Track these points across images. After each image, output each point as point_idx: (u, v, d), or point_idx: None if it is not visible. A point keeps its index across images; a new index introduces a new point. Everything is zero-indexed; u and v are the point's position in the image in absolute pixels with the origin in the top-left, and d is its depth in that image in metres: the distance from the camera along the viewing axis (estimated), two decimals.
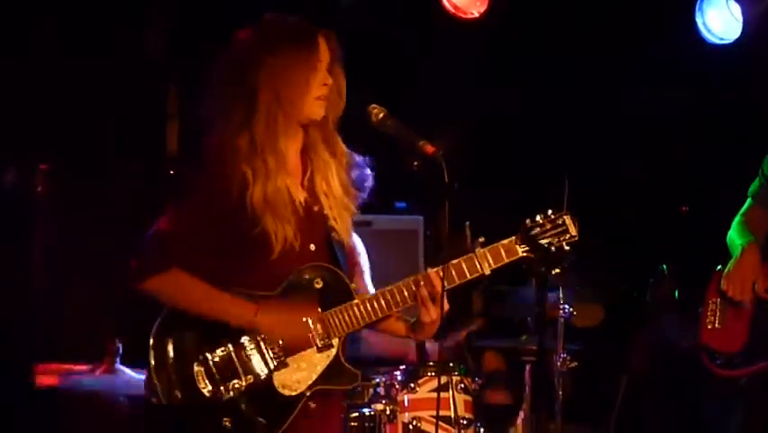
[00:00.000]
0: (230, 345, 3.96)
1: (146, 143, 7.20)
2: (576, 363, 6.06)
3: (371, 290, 4.33)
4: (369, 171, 4.19)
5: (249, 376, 3.95)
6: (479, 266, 4.05)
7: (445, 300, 4.05)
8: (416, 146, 4.02)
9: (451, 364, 5.74)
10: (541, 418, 6.23)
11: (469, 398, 5.69)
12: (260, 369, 3.96)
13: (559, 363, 6.04)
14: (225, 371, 3.94)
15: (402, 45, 7.42)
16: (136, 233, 4.10)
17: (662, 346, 6.85)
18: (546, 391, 6.11)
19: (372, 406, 5.53)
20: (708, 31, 6.96)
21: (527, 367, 6.26)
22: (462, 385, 5.67)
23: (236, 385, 3.94)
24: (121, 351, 6.01)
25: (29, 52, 6.69)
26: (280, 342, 3.95)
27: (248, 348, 3.96)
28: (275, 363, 3.96)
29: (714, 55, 7.08)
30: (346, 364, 4.03)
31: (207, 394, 3.93)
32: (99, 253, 6.88)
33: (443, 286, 4.02)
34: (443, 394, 5.56)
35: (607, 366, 6.93)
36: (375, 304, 4.04)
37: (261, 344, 3.96)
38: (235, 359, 3.95)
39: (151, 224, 4.04)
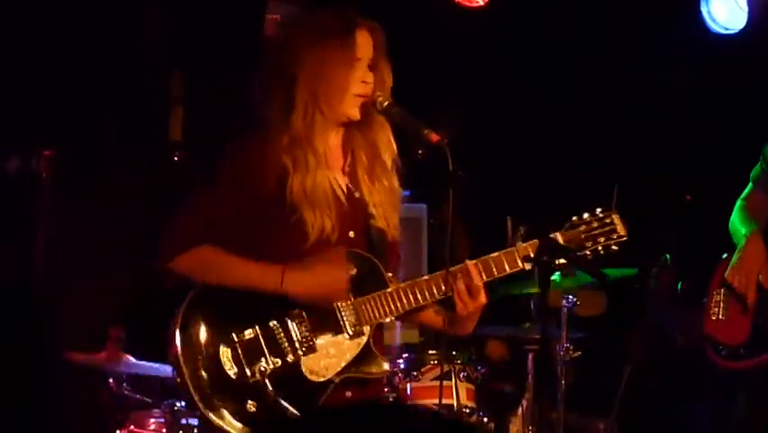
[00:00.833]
0: (258, 328, 3.94)
1: (150, 130, 7.20)
2: (579, 353, 6.06)
3: None
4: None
5: (276, 360, 3.93)
6: (519, 261, 4.03)
7: (484, 294, 4.02)
8: (420, 134, 4.01)
9: (454, 353, 5.74)
10: (543, 406, 6.23)
11: (471, 386, 5.70)
12: (288, 353, 3.93)
13: (562, 353, 6.04)
14: (252, 353, 3.92)
15: (405, 36, 7.40)
16: (141, 220, 4.11)
17: (663, 337, 6.85)
18: (549, 379, 6.11)
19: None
20: (713, 20, 6.95)
21: (530, 356, 6.25)
22: (465, 374, 5.68)
23: (262, 368, 3.92)
24: (124, 338, 6.01)
25: (31, 50, 6.69)
26: (307, 329, 3.93)
27: (276, 331, 3.94)
28: (303, 348, 3.94)
29: (718, 44, 7.07)
30: (377, 352, 4.01)
31: (233, 376, 3.91)
32: (103, 238, 6.89)
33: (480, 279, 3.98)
34: (445, 383, 5.56)
35: (610, 355, 6.92)
36: (410, 294, 4.01)
37: (290, 327, 3.95)
38: (262, 342, 3.93)
39: (155, 210, 4.04)
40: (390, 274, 4.06)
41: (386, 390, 5.52)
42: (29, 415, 6.56)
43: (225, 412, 3.90)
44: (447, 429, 4.28)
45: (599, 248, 4.08)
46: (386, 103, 4.06)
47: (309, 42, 4.01)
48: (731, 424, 5.68)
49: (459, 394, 5.59)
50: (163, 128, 7.30)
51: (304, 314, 3.96)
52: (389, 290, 4.01)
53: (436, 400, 5.51)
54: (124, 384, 6.03)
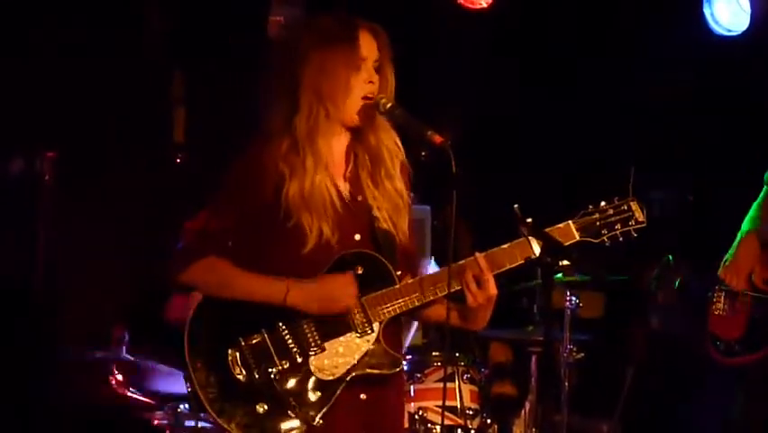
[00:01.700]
0: (265, 331, 3.95)
1: (152, 131, 7.21)
2: (582, 355, 6.06)
3: None
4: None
5: (284, 361, 3.93)
6: (531, 249, 4.01)
7: (494, 285, 4.00)
8: (423, 136, 3.99)
9: (457, 355, 5.74)
10: (547, 408, 6.23)
11: (475, 388, 5.70)
12: (297, 354, 3.94)
13: (565, 354, 6.04)
14: (260, 356, 3.93)
15: (405, 36, 7.40)
16: (143, 221, 4.12)
17: (665, 338, 6.86)
18: (552, 381, 6.11)
19: None
20: (716, 22, 6.95)
21: (533, 358, 6.25)
22: (468, 376, 5.68)
23: (271, 371, 3.94)
24: (127, 339, 6.01)
25: (31, 50, 6.69)
26: (315, 330, 3.94)
27: (284, 334, 3.95)
28: (312, 349, 3.95)
29: (721, 46, 7.07)
30: (388, 349, 3.99)
31: (242, 379, 3.93)
32: (105, 239, 6.90)
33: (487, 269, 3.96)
34: (449, 384, 5.56)
35: (612, 357, 6.92)
36: (418, 289, 4.01)
37: (298, 329, 3.95)
38: (270, 345, 3.93)
39: (156, 211, 4.06)
40: (400, 273, 4.04)
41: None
42: (29, 416, 6.56)
43: (235, 416, 3.91)
44: None
45: (617, 234, 4.07)
46: (389, 105, 4.05)
47: (314, 44, 4.00)
48: (730, 422, 5.70)
49: (462, 396, 5.59)
50: (165, 129, 7.30)
51: (312, 315, 3.96)
52: (398, 286, 4.00)
53: (439, 402, 5.52)
54: (127, 386, 6.02)
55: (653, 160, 7.50)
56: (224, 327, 3.96)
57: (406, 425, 5.50)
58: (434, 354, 5.81)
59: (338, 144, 4.09)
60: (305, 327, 3.96)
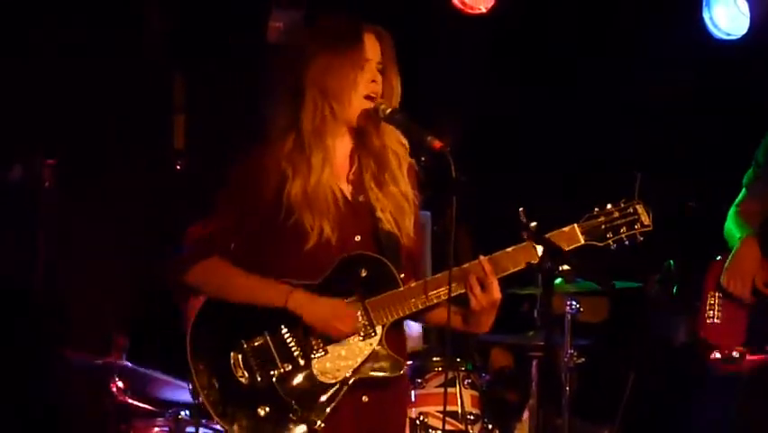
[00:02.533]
0: (267, 334, 3.96)
1: (152, 138, 7.21)
2: (583, 359, 6.05)
3: None
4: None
5: (286, 364, 3.95)
6: (535, 254, 4.01)
7: (497, 289, 4.00)
8: (423, 141, 4.00)
9: (458, 360, 5.74)
10: (548, 413, 6.22)
11: (476, 393, 5.70)
12: (299, 357, 3.95)
13: (566, 359, 6.04)
14: (262, 359, 3.94)
15: (405, 37, 7.41)
16: (143, 228, 4.13)
17: (666, 343, 6.85)
18: (553, 386, 6.10)
19: None
20: (715, 26, 6.95)
21: (534, 363, 6.24)
22: (469, 381, 5.68)
23: (273, 373, 3.94)
24: (128, 346, 6.00)
25: (31, 50, 6.69)
26: (318, 333, 3.95)
27: (286, 336, 3.96)
28: (314, 352, 3.96)
29: (720, 50, 7.07)
30: (390, 352, 4.00)
31: (244, 382, 3.94)
32: (105, 245, 6.90)
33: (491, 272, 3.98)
34: (450, 390, 5.56)
35: (614, 362, 6.92)
36: (422, 292, 4.00)
37: (300, 332, 3.95)
38: (272, 347, 3.95)
39: (157, 217, 4.07)
40: (403, 275, 4.04)
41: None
42: (31, 422, 6.56)
43: (238, 418, 3.92)
44: None
45: (623, 238, 4.07)
46: (388, 110, 4.06)
47: (318, 44, 4.03)
48: (730, 428, 5.67)
49: (463, 401, 5.58)
50: (165, 135, 7.30)
51: None
52: (401, 289, 4.00)
53: (440, 407, 5.52)
54: (127, 392, 6.02)
55: (653, 161, 7.52)
56: (227, 329, 3.98)
57: (408, 430, 5.49)
58: (434, 359, 5.81)
59: (342, 146, 4.10)
60: (308, 329, 3.97)
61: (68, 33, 6.80)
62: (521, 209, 3.97)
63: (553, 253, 3.99)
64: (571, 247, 4.04)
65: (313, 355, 3.96)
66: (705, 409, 6.52)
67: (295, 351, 3.96)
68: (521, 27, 7.58)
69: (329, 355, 3.97)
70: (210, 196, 4.10)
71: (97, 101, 6.87)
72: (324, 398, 3.95)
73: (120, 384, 5.94)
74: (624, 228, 4.06)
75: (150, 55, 7.13)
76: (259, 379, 3.95)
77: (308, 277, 3.98)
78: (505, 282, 4.09)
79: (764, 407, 5.33)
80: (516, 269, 4.03)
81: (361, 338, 3.98)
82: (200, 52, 7.18)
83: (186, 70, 7.30)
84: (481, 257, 4.01)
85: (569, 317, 6.05)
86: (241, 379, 3.94)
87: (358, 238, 4.04)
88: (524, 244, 4.02)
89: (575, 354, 6.04)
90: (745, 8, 6.78)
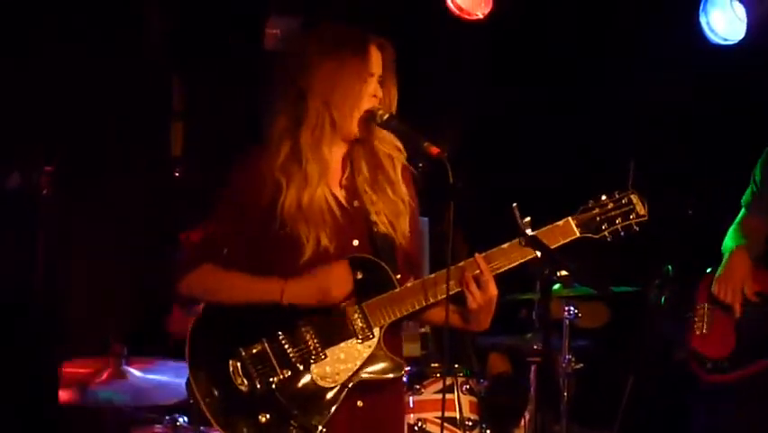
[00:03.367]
0: (265, 341, 3.96)
1: (151, 144, 7.21)
2: (582, 365, 6.05)
3: None
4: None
5: (285, 370, 3.95)
6: (527, 251, 4.01)
7: (494, 286, 3.99)
8: (420, 147, 4.00)
9: (456, 366, 5.74)
10: (546, 419, 6.22)
11: (474, 399, 5.69)
12: (297, 362, 3.95)
13: (564, 365, 6.04)
14: (261, 366, 3.94)
15: (405, 46, 7.42)
16: (141, 236, 4.14)
17: (664, 349, 6.84)
18: (552, 392, 6.11)
19: None
20: (712, 31, 6.95)
21: (533, 368, 6.25)
22: (468, 386, 5.67)
23: (272, 380, 3.94)
24: (126, 353, 6.00)
25: (31, 53, 6.69)
26: (315, 337, 3.95)
27: (284, 342, 3.96)
28: (313, 356, 3.96)
29: (717, 55, 7.07)
30: (389, 354, 4.00)
31: (244, 390, 3.94)
32: (103, 252, 6.90)
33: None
34: (448, 396, 5.56)
35: (612, 367, 6.92)
36: (418, 292, 4.00)
37: (298, 337, 3.96)
38: (271, 354, 3.95)
39: (157, 224, 4.08)
40: (400, 276, 4.05)
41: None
42: (30, 426, 6.56)
43: (238, 426, 3.93)
44: None
45: (618, 229, 4.05)
46: (386, 116, 4.06)
47: (323, 54, 4.01)
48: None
49: (461, 407, 5.58)
50: (163, 141, 7.30)
51: (312, 322, 3.97)
52: (397, 290, 4.00)
53: (439, 413, 5.51)
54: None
55: (653, 165, 7.52)
56: (225, 337, 3.98)
57: None
58: (432, 365, 5.81)
59: (336, 152, 4.10)
60: (305, 334, 3.97)
61: (66, 39, 6.79)
62: (514, 205, 3.97)
63: (549, 256, 3.99)
64: (566, 240, 4.03)
65: (312, 360, 3.96)
66: (702, 415, 6.50)
67: (293, 357, 3.96)
68: (520, 29, 7.58)
69: (328, 359, 3.97)
70: (207, 202, 4.10)
71: (96, 107, 6.87)
72: (324, 402, 3.95)
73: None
74: (619, 219, 4.03)
75: (149, 60, 7.13)
76: (258, 386, 3.95)
77: None
78: (504, 288, 4.09)
79: (757, 416, 5.31)
80: (511, 265, 4.01)
81: (359, 341, 3.98)
82: (199, 58, 7.18)
83: (184, 76, 7.30)
84: (477, 254, 4.00)
85: (567, 322, 6.05)
86: (240, 387, 3.94)
87: (356, 243, 4.05)
88: (520, 239, 4.02)
89: (573, 359, 6.05)
90: (742, 13, 6.78)
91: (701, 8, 6.92)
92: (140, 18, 7.12)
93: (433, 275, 4.03)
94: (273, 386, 3.95)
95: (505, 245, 4.02)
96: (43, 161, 6.68)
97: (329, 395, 3.95)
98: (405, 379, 5.60)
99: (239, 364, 3.95)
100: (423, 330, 6.44)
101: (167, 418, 5.76)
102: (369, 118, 4.05)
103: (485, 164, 7.29)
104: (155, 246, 6.51)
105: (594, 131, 7.53)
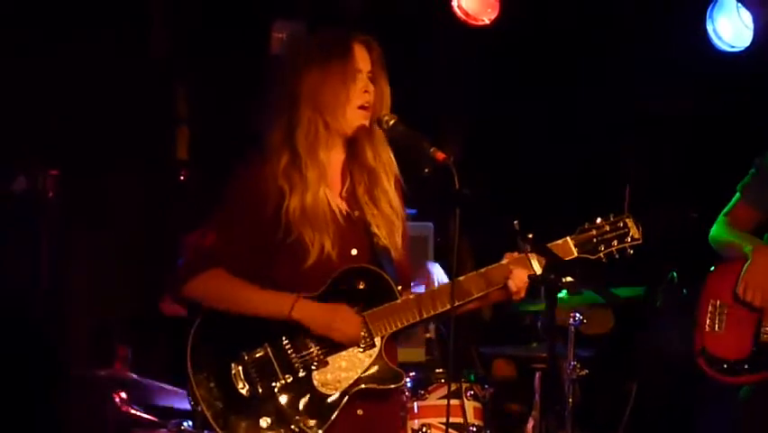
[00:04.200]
0: (268, 345, 3.97)
1: (156, 148, 7.21)
2: (586, 371, 6.04)
3: None
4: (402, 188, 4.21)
5: (287, 376, 3.96)
6: (530, 266, 4.05)
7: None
8: (426, 153, 4.01)
9: (461, 371, 5.73)
10: (551, 425, 6.21)
11: (479, 405, 5.69)
12: (300, 368, 3.96)
13: (569, 371, 6.03)
14: (263, 370, 3.95)
15: (410, 51, 7.44)
16: (146, 240, 4.13)
17: (668, 354, 6.83)
18: (556, 398, 6.09)
19: None
20: (719, 38, 6.95)
21: (537, 374, 6.24)
22: (472, 392, 5.67)
23: (274, 385, 3.94)
24: (130, 357, 6.01)
25: (36, 58, 6.70)
26: (318, 344, 3.96)
27: (286, 348, 3.96)
28: (315, 363, 3.96)
29: (723, 61, 7.07)
30: (390, 364, 4.01)
31: (245, 394, 3.94)
32: (109, 257, 6.90)
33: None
34: (453, 401, 5.55)
35: (617, 374, 6.91)
36: (420, 303, 4.03)
37: (301, 343, 3.96)
38: (273, 359, 3.96)
39: (162, 230, 4.07)
40: (400, 287, 4.06)
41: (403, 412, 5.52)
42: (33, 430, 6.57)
43: (239, 430, 3.93)
44: None
45: (614, 251, 4.11)
46: (392, 121, 4.08)
47: (310, 58, 4.05)
48: None
49: (466, 413, 5.57)
50: (168, 146, 7.31)
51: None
52: (399, 301, 4.02)
53: (443, 419, 5.51)
54: (130, 403, 6.02)
55: (654, 173, 7.52)
56: (227, 341, 3.98)
57: None
58: (437, 370, 5.81)
59: (335, 160, 4.11)
60: (308, 341, 3.98)
61: (72, 44, 6.80)
62: (515, 221, 3.99)
63: (555, 263, 4.00)
64: (566, 259, 4.08)
65: (313, 367, 3.97)
66: (708, 422, 6.49)
67: (296, 362, 3.97)
68: (522, 37, 7.59)
69: (330, 367, 3.98)
70: (209, 205, 4.10)
71: (101, 111, 6.88)
72: (325, 409, 3.96)
73: (123, 395, 5.95)
74: (615, 241, 4.12)
75: (154, 64, 7.13)
76: (260, 390, 3.95)
77: (309, 290, 3.99)
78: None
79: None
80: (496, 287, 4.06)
81: (361, 350, 3.99)
82: (204, 62, 7.19)
83: (189, 80, 7.31)
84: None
85: (572, 329, 6.04)
86: (242, 391, 3.95)
87: (355, 252, 4.07)
88: (520, 256, 4.04)
89: (578, 365, 6.03)
90: (749, 20, 6.78)
91: (708, 15, 6.92)
92: (146, 23, 7.13)
93: (433, 288, 4.07)
94: (275, 391, 3.96)
95: (504, 261, 4.06)
96: (48, 164, 6.69)
97: (330, 402, 3.96)
98: (409, 384, 5.63)
99: (241, 368, 3.96)
100: (428, 335, 6.44)
101: (171, 422, 5.77)
102: (374, 123, 4.07)
103: (486, 171, 7.29)
104: (160, 250, 6.51)
105: (599, 137, 7.53)
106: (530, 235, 4.00)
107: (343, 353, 3.99)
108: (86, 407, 6.35)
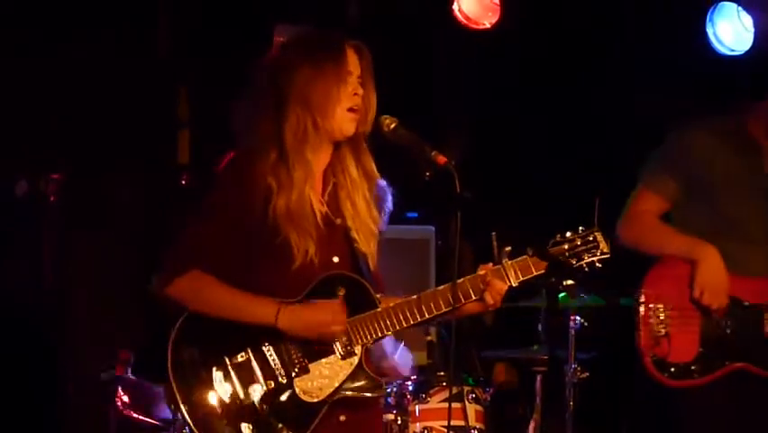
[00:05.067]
0: (250, 351, 3.95)
1: (157, 152, 7.22)
2: (587, 374, 6.05)
3: None
4: (390, 196, 4.21)
5: (269, 382, 3.94)
6: (506, 278, 4.06)
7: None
8: (427, 156, 4.01)
9: (462, 375, 5.75)
10: (552, 428, 6.22)
11: (480, 408, 5.70)
12: (281, 375, 3.94)
13: (570, 374, 6.04)
14: (245, 376, 3.93)
15: (412, 54, 7.45)
16: (147, 244, 4.12)
17: None
18: (557, 401, 6.11)
19: (384, 416, 5.52)
20: (719, 42, 6.96)
21: (538, 378, 6.25)
22: (474, 395, 5.68)
23: (256, 390, 3.94)
24: (132, 361, 6.01)
25: (37, 62, 6.71)
26: (300, 351, 3.96)
27: (268, 354, 3.95)
28: (296, 370, 3.95)
29: (724, 65, 7.07)
30: (369, 372, 4.01)
31: (227, 400, 3.92)
32: (110, 260, 6.90)
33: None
34: (454, 404, 5.56)
35: (618, 376, 6.91)
36: (400, 313, 4.02)
37: (282, 349, 3.96)
38: (255, 364, 3.94)
39: (164, 234, 4.06)
40: (380, 295, 4.06)
41: (394, 412, 5.53)
42: None
43: None
44: None
45: (584, 265, 4.13)
46: (393, 125, 4.08)
47: (301, 58, 4.04)
48: None
49: (468, 416, 5.58)
50: (170, 150, 7.31)
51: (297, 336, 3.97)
52: (379, 309, 4.02)
53: (445, 422, 5.52)
54: (132, 407, 6.02)
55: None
56: (209, 345, 3.96)
57: None
58: (438, 373, 5.82)
59: (320, 163, 4.10)
60: (290, 347, 3.97)
61: (74, 48, 6.81)
62: (493, 234, 4.02)
63: (558, 267, 4.04)
64: (538, 273, 4.10)
65: (295, 374, 3.96)
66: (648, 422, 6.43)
67: (277, 369, 3.95)
68: (524, 39, 7.60)
69: (311, 374, 3.96)
70: (195, 205, 4.09)
71: (103, 115, 6.89)
72: (306, 416, 3.94)
73: (125, 398, 5.96)
74: (585, 255, 4.13)
75: (157, 68, 7.14)
76: (242, 396, 3.94)
77: (290, 295, 3.97)
78: (509, 296, 4.11)
79: (726, 419, 5.17)
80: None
81: (341, 358, 3.99)
82: (205, 64, 7.20)
83: (191, 84, 7.32)
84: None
85: (573, 332, 6.06)
86: (223, 396, 3.93)
87: (336, 259, 4.06)
88: (497, 267, 4.05)
89: (579, 368, 6.05)
90: (749, 24, 6.79)
91: (708, 19, 6.93)
92: (147, 23, 7.14)
93: (414, 297, 4.05)
94: (256, 397, 3.93)
95: (481, 273, 4.06)
96: (49, 166, 6.70)
97: (311, 409, 3.95)
98: (411, 388, 5.64)
99: (222, 373, 3.94)
100: (429, 339, 6.45)
101: (173, 425, 5.77)
102: (375, 126, 4.08)
103: (487, 170, 7.30)
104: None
105: (599, 140, 7.54)
106: (506, 249, 4.04)
107: (324, 360, 3.98)
108: (88, 410, 6.36)
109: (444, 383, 5.66)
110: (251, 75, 4.15)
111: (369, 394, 4.01)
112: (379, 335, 4.02)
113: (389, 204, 4.21)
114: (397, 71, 7.29)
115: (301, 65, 4.02)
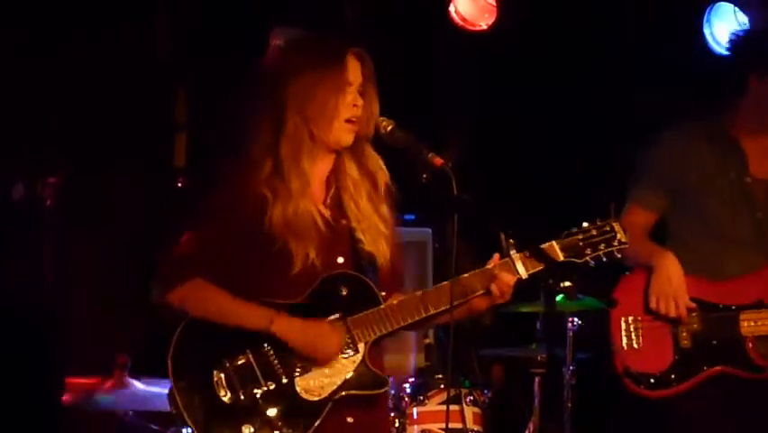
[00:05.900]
0: (249, 352, 3.94)
1: (154, 155, 7.21)
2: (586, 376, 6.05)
3: None
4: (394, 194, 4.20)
5: (270, 382, 3.93)
6: (515, 270, 4.03)
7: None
8: (424, 158, 4.00)
9: (460, 377, 5.74)
10: (550, 430, 6.21)
11: (478, 410, 5.69)
12: (282, 375, 3.94)
13: (568, 376, 6.04)
14: (245, 377, 3.92)
15: (411, 55, 7.44)
16: (145, 247, 4.11)
17: None
18: (556, 403, 6.10)
19: None
20: (716, 41, 6.96)
21: (536, 379, 6.24)
22: (471, 397, 5.67)
23: (256, 392, 3.93)
24: (130, 365, 6.00)
25: (35, 64, 6.70)
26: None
27: (269, 355, 3.95)
28: (298, 369, 3.95)
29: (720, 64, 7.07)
30: (373, 369, 3.99)
31: (227, 401, 3.92)
32: (108, 264, 6.90)
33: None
34: (452, 407, 5.56)
35: (615, 379, 6.91)
36: (403, 309, 4.01)
37: (283, 350, 3.94)
38: (255, 366, 3.93)
39: (162, 238, 4.05)
40: (384, 293, 4.05)
41: (392, 415, 5.52)
42: None
43: None
44: None
45: (601, 255, 4.10)
46: (390, 127, 4.07)
47: (300, 66, 4.00)
48: None
49: (466, 418, 5.58)
50: (167, 153, 7.30)
51: None
52: (382, 306, 4.00)
53: (443, 425, 5.51)
54: (130, 411, 6.01)
55: None
56: (209, 347, 3.95)
57: None
58: (436, 376, 5.81)
59: (320, 170, 4.09)
60: (289, 349, 3.96)
61: (72, 50, 6.80)
62: (501, 234, 4.00)
63: (550, 265, 4.02)
64: (549, 264, 4.06)
65: (296, 373, 3.95)
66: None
67: (278, 369, 3.94)
68: (523, 39, 7.59)
69: (312, 373, 3.96)
70: (192, 214, 4.08)
71: (99, 117, 6.88)
72: (308, 416, 3.93)
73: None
74: (602, 245, 4.09)
75: (154, 71, 7.13)
76: (242, 398, 3.93)
77: (292, 297, 3.97)
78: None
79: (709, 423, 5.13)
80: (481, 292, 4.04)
81: (344, 356, 3.98)
82: (204, 66, 7.19)
83: (188, 87, 7.31)
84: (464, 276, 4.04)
85: (571, 333, 6.05)
86: (224, 398, 3.92)
87: (341, 260, 4.05)
88: (505, 260, 4.03)
89: (577, 370, 6.04)
90: (746, 24, 6.79)
91: (705, 19, 6.93)
92: (147, 24, 7.13)
93: (417, 293, 4.03)
94: (257, 398, 3.93)
95: (489, 266, 4.04)
96: (46, 168, 6.69)
97: (313, 409, 3.93)
98: (409, 390, 5.63)
99: (223, 375, 3.93)
100: (427, 341, 6.45)
101: (171, 429, 5.76)
102: (374, 129, 4.07)
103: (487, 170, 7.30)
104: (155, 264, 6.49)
105: (599, 140, 7.53)
106: (511, 241, 4.02)
107: None
108: (86, 412, 6.35)
109: (442, 386, 5.65)
110: (250, 80, 4.13)
111: (374, 391, 4.00)
112: (382, 332, 4.00)
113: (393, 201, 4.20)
114: (396, 72, 7.31)
115: (300, 73, 3.99)
